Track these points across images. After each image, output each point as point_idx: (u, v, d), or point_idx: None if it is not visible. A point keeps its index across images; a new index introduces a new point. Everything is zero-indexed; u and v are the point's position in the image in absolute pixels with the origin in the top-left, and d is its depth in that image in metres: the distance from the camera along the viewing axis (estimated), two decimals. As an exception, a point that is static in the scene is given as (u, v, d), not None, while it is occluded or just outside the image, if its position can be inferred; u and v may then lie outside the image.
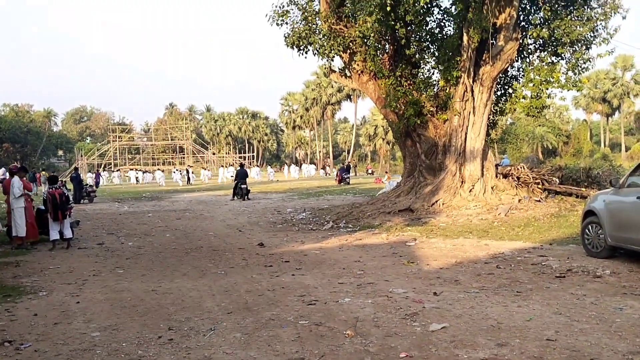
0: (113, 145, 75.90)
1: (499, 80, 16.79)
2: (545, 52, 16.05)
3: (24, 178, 12.65)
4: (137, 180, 54.05)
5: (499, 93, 17.88)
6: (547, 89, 15.51)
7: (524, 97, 16.07)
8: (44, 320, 6.42)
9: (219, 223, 16.76)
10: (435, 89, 16.78)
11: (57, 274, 9.29)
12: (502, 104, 17.80)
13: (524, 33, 15.86)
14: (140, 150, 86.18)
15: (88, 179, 30.44)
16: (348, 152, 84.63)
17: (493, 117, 17.73)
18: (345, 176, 38.25)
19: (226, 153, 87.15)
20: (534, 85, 15.54)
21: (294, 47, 17.43)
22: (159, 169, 54.98)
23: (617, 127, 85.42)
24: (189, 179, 48.01)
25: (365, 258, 10.03)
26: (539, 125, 73.22)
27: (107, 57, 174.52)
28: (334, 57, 17.52)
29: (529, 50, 16.69)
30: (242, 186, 26.07)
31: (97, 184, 38.42)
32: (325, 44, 16.85)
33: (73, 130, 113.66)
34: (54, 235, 12.03)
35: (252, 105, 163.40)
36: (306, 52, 17.61)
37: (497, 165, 23.01)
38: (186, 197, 30.86)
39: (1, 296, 7.63)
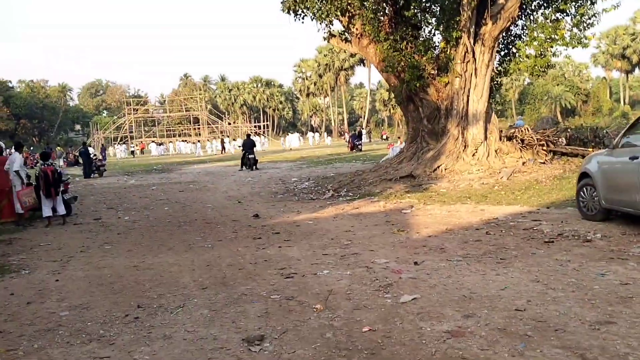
0: (128, 118, 76.18)
1: (502, 39, 16.30)
2: (549, 9, 15.43)
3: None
4: (132, 153, 54.71)
5: (502, 53, 17.36)
6: (552, 47, 14.99)
7: (527, 57, 15.55)
8: (18, 299, 6.40)
9: (220, 194, 16.72)
10: (436, 51, 16.30)
11: (45, 252, 9.30)
12: (506, 64, 17.25)
13: (526, -11, 15.27)
14: (156, 123, 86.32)
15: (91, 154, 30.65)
16: (367, 120, 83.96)
17: (497, 78, 17.24)
18: (357, 143, 37.93)
19: (241, 123, 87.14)
20: (538, 43, 15.02)
21: (291, 12, 17.01)
22: (198, 141, 56.28)
23: (637, 84, 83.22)
24: (223, 147, 50.61)
25: (357, 227, 9.88)
26: (557, 85, 71.61)
27: (120, 28, 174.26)
28: (332, 21, 17.10)
29: (532, 8, 16.07)
30: (250, 156, 26.00)
31: (103, 157, 38.68)
32: (322, 7, 16.40)
33: (89, 104, 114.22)
34: (47, 212, 12.06)
35: (267, 73, 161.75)
36: (303, 17, 17.20)
37: (511, 127, 22.61)
38: (196, 168, 30.95)
39: (-15, 276, 7.67)
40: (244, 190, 17.53)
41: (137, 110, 79.23)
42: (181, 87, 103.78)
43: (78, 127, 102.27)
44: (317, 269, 6.91)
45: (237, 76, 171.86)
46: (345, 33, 18.14)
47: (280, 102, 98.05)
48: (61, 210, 12.28)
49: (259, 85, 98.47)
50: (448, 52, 15.61)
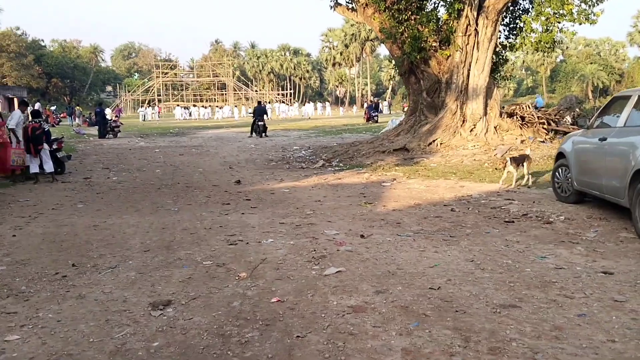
0: (157, 82, 76.67)
1: (509, 13, 15.70)
2: (558, -17, 14.76)
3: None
4: (144, 118, 54.36)
5: (510, 27, 16.76)
6: (559, 22, 14.40)
7: (533, 31, 15.00)
8: (-33, 252, 6.52)
9: (217, 160, 16.74)
10: (439, 23, 15.82)
11: (20, 207, 9.43)
12: (513, 38, 16.68)
13: (534, -39, 14.64)
14: (185, 87, 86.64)
15: (108, 114, 31.34)
16: (392, 90, 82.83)
17: (502, 52, 16.71)
18: (373, 114, 37.54)
19: (267, 90, 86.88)
20: (545, 18, 14.46)
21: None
22: (235, 106, 56.74)
23: (676, 64, 79.81)
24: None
25: (328, 198, 9.79)
26: (591, 63, 69.34)
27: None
28: (337, -12, 16.71)
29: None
30: (259, 123, 25.95)
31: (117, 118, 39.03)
32: (327, -26, 16.02)
33: (122, 67, 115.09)
34: (33, 168, 12.22)
35: (297, 42, 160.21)
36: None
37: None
38: (210, 133, 31.08)
39: (-51, 227, 7.81)
40: (242, 156, 17.53)
41: (166, 73, 79.61)
42: (211, 53, 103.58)
43: (109, 88, 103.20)
44: (264, 237, 6.87)
45: (267, 43, 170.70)
46: (352, 2, 17.73)
47: (307, 71, 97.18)
48: (48, 168, 12.41)
49: (287, 53, 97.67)
50: (451, 24, 15.14)
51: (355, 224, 7.58)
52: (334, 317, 4.25)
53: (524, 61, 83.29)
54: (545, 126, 15.16)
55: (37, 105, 46.75)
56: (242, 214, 8.55)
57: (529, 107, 15.77)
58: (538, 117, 15.22)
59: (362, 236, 6.77)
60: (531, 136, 14.90)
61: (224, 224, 7.81)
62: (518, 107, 16.19)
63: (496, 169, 10.91)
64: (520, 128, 15.16)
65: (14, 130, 12.45)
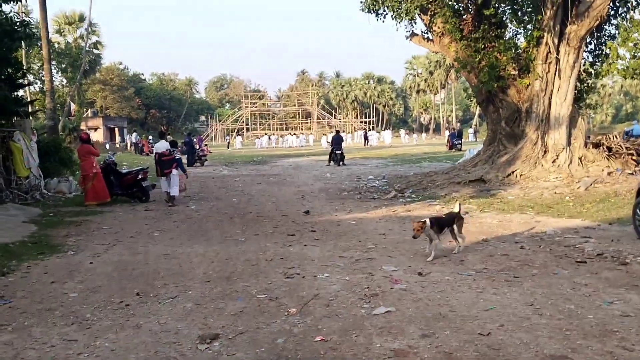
0: (245, 111, 79.65)
1: (593, 39, 15.02)
2: (647, 7, 14.05)
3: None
4: (228, 146, 56.64)
5: (595, 53, 16.00)
6: (648, 47, 13.63)
7: (620, 58, 14.25)
8: (47, 278, 6.98)
9: (291, 189, 17.00)
10: (517, 51, 15.39)
11: (102, 235, 10.02)
12: (599, 65, 15.90)
13: (620, -15, 13.99)
14: (271, 116, 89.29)
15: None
16: (480, 117, 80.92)
17: (587, 80, 15.94)
18: (456, 142, 36.75)
19: (350, 118, 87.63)
20: (632, 44, 13.73)
21: (371, 11, 16.85)
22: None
23: None
24: (367, 139, 51.06)
25: (394, 231, 9.68)
26: (698, 86, 64.49)
27: (248, 33, 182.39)
28: (413, 19, 16.72)
29: (629, 5, 14.64)
30: (337, 152, 26.13)
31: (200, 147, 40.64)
32: (402, 5, 16.08)
33: (214, 97, 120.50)
34: (169, 190, 13.71)
35: (381, 70, 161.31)
36: (384, 17, 16.99)
37: (626, 133, 20.89)
38: (290, 161, 31.70)
39: (36, 254, 8.39)
40: (316, 185, 17.71)
41: (254, 103, 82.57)
42: (297, 83, 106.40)
43: (202, 118, 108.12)
44: (321, 272, 6.89)
45: (351, 72, 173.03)
46: (428, 32, 17.67)
47: (391, 99, 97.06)
48: (173, 192, 13.80)
49: (371, 81, 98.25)
50: (530, 52, 14.69)
51: (416, 260, 7.44)
52: (375, 360, 4.19)
53: (622, 86, 78.94)
54: (634, 157, 14.25)
55: (134, 135, 49.92)
56: (305, 245, 8.63)
57: (617, 137, 14.91)
58: (626, 147, 14.34)
59: (419, 274, 6.64)
60: (619, 168, 14.05)
61: (285, 255, 7.91)
62: (605, 137, 15.34)
63: (414, 237, 7.48)
64: (607, 159, 14.33)
65: None
